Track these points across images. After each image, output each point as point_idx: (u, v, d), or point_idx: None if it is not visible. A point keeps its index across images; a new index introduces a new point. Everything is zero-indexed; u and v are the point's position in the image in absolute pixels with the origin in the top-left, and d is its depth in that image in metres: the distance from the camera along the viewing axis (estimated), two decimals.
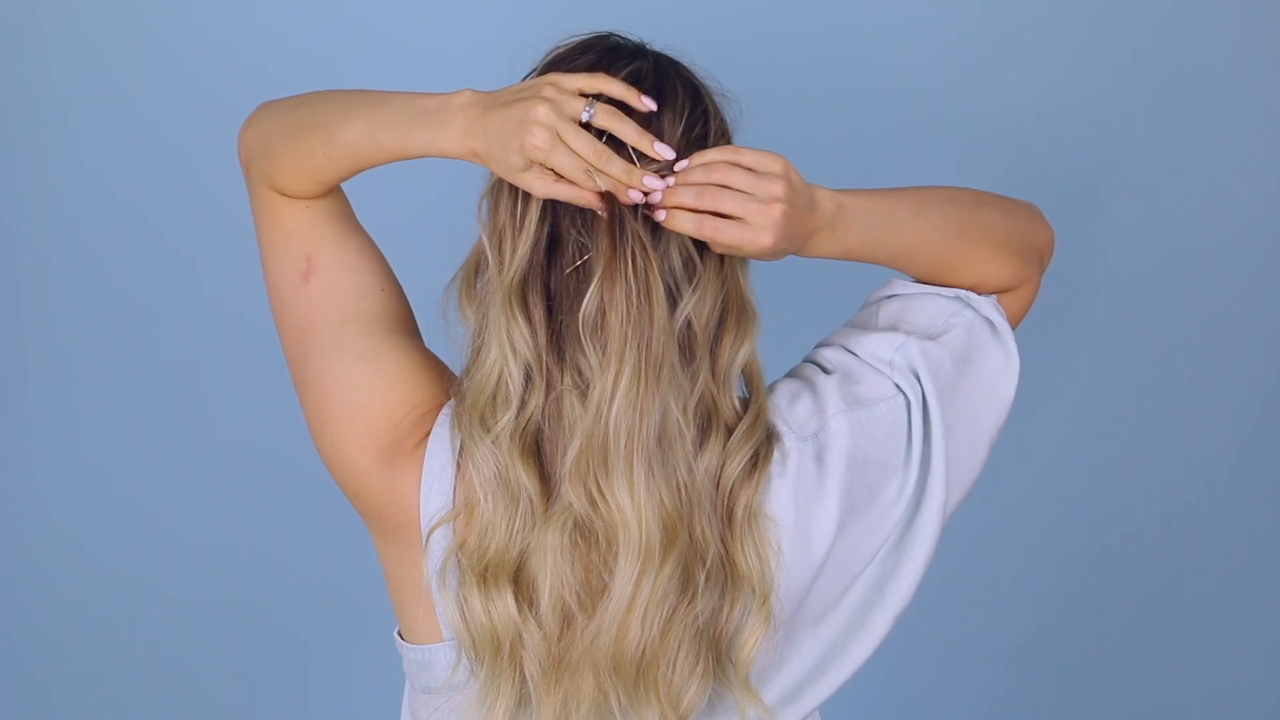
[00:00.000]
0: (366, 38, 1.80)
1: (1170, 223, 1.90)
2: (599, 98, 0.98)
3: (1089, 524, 2.02)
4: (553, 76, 0.98)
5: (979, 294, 1.14)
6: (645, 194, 0.98)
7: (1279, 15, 1.84)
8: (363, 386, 1.07)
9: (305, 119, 1.07)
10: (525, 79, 1.05)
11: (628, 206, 0.99)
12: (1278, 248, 1.92)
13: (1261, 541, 2.04)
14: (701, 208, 0.99)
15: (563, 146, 0.96)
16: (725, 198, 0.98)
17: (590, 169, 0.96)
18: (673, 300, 1.02)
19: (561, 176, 0.98)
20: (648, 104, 0.99)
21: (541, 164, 0.97)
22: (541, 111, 0.95)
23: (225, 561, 1.98)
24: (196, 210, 1.82)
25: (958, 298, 1.12)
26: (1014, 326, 1.16)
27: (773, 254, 1.02)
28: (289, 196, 1.10)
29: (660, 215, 1.00)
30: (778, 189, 0.99)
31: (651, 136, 0.99)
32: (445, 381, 1.10)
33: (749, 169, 0.99)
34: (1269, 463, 2.00)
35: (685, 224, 0.99)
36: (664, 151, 0.99)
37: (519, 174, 0.98)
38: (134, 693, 2.04)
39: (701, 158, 1.00)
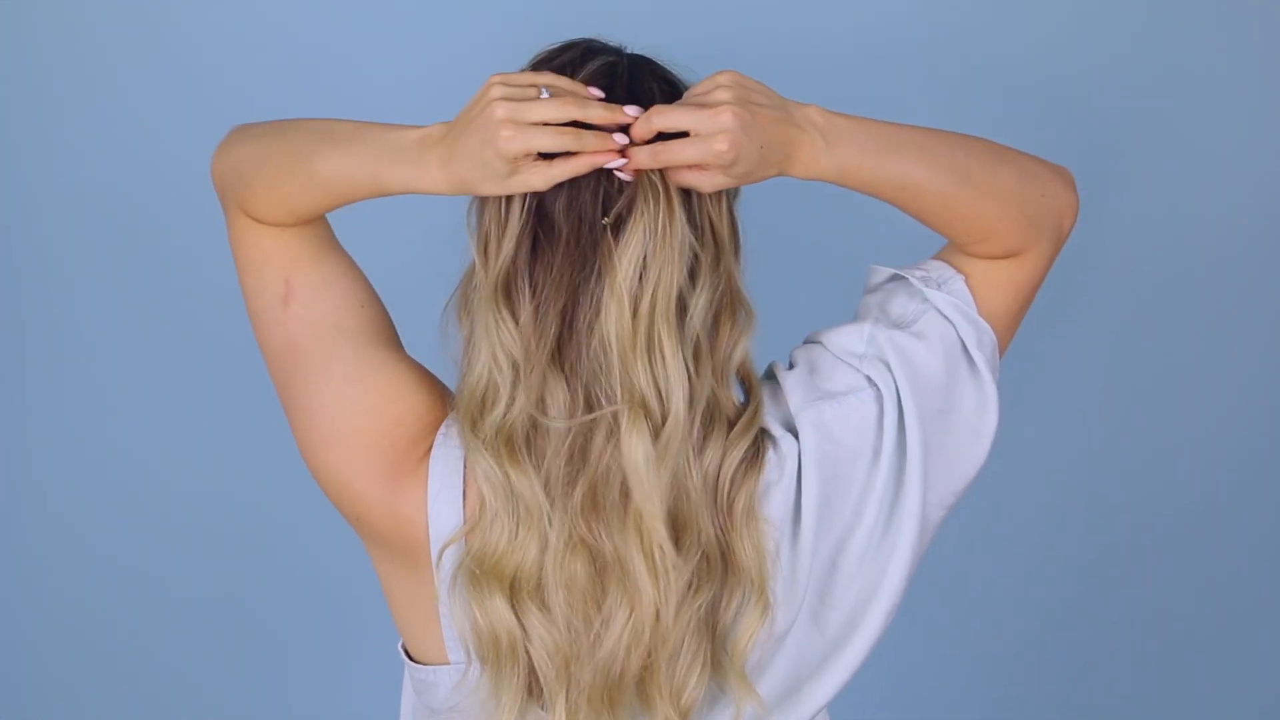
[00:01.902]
0: (364, 34, 1.80)
1: (1171, 219, 1.90)
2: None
3: (1092, 523, 2.02)
4: (496, 77, 0.97)
5: (981, 255, 1.10)
6: (630, 125, 0.98)
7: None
8: (354, 408, 1.05)
9: (280, 151, 1.05)
10: None
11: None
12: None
13: (1265, 540, 2.04)
14: (657, 150, 0.97)
15: (533, 128, 0.95)
16: (673, 117, 0.97)
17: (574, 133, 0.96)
18: (682, 307, 1.01)
19: (553, 157, 0.96)
20: (594, 93, 0.98)
21: (522, 156, 0.95)
22: (499, 111, 0.94)
23: (224, 560, 1.99)
24: (197, 207, 1.80)
25: (924, 298, 1.09)
26: (1025, 301, 1.13)
27: (747, 168, 0.98)
28: (265, 224, 1.08)
29: (625, 175, 0.99)
30: (722, 93, 0.97)
31: (616, 107, 0.98)
32: (439, 394, 1.09)
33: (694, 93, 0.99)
34: (1272, 459, 2.00)
35: (641, 157, 0.97)
36: (633, 110, 0.98)
37: (510, 180, 0.97)
38: (132, 691, 2.04)
39: (645, 118, 0.98)
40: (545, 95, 0.95)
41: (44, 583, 2.00)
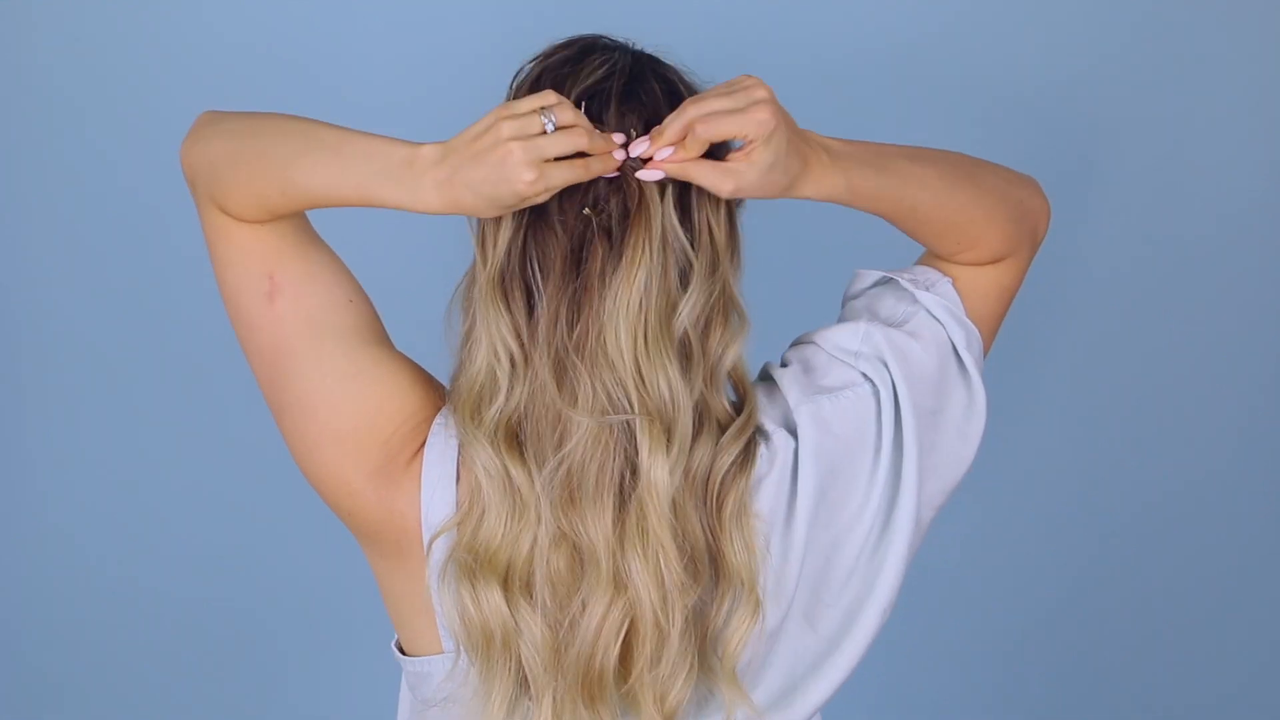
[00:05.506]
0: (363, 34, 1.80)
1: (1164, 214, 1.90)
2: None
3: (1085, 524, 2.02)
4: (500, 110, 0.96)
5: (968, 262, 1.13)
6: (627, 146, 0.99)
7: (1275, 4, 1.83)
8: (349, 406, 1.04)
9: (256, 151, 1.03)
10: (513, 81, 1.06)
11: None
12: (1273, 238, 1.92)
13: (1259, 539, 2.03)
14: (692, 122, 0.97)
15: (550, 167, 0.95)
16: (708, 104, 0.96)
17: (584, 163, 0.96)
18: (671, 310, 1.01)
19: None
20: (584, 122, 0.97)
21: (542, 193, 0.96)
22: (517, 153, 0.93)
23: (221, 562, 1.99)
24: (192, 207, 1.82)
25: (914, 299, 1.11)
26: (1008, 304, 1.16)
27: (774, 158, 0.97)
28: (241, 221, 1.06)
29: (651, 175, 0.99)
30: (760, 92, 0.97)
31: (606, 135, 0.98)
32: (432, 388, 1.09)
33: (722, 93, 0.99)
34: (1266, 454, 2.00)
35: (672, 130, 0.97)
36: (617, 138, 0.99)
37: (516, 208, 0.98)
38: (130, 692, 2.04)
39: (680, 110, 0.98)
40: (550, 124, 0.95)
41: (39, 586, 2.00)
